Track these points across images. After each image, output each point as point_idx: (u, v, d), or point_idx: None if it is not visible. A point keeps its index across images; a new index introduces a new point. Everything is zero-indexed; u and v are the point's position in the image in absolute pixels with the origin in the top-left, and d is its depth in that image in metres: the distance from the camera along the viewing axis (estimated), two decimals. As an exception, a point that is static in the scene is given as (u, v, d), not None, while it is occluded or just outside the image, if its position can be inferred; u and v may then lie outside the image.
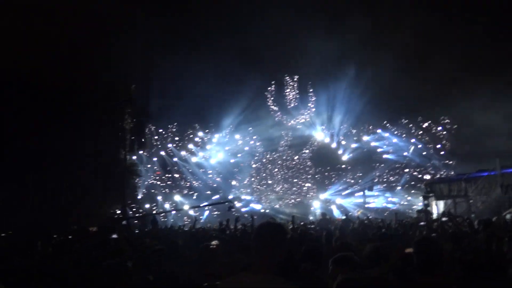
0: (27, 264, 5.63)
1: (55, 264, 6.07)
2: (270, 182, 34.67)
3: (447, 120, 33.09)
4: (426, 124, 33.81)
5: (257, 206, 32.05)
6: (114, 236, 10.82)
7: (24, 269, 5.28)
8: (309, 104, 34.69)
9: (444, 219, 12.74)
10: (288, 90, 35.12)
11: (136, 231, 20.52)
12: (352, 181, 33.67)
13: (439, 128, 33.21)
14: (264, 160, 35.00)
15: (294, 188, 34.48)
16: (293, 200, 33.99)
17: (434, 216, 19.06)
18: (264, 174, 34.87)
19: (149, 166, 33.39)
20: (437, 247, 3.96)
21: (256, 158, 34.98)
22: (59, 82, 22.85)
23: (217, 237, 7.08)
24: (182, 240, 10.00)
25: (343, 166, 34.24)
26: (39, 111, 22.81)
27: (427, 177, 31.57)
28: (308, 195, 34.17)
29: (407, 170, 33.14)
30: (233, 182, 34.50)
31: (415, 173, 32.96)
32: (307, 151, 34.98)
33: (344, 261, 4.07)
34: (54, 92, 23.35)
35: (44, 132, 22.90)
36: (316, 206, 31.97)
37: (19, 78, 22.35)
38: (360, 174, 33.66)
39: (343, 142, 34.22)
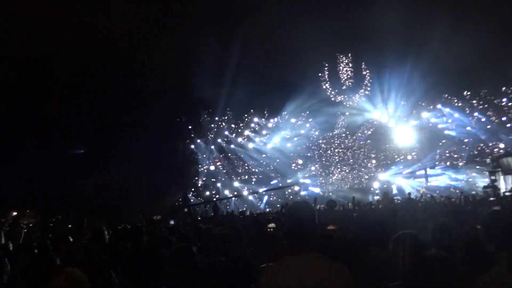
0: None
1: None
2: (328, 164, 34.30)
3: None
4: (489, 97, 32.17)
5: (316, 190, 31.84)
6: (172, 222, 11.07)
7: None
8: (365, 83, 33.94)
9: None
10: (342, 69, 34.47)
11: (199, 218, 21.08)
12: (413, 160, 32.72)
13: (504, 99, 31.48)
14: (321, 142, 34.62)
15: (353, 170, 33.95)
16: (352, 182, 33.50)
17: (502, 191, 18.25)
18: (321, 157, 34.54)
19: (207, 154, 33.82)
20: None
21: (312, 140, 34.66)
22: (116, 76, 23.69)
23: (275, 219, 7.07)
24: (241, 225, 10.12)
25: (403, 144, 33.26)
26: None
27: (493, 152, 30.14)
28: (367, 176, 33.57)
29: (470, 145, 31.74)
30: (291, 167, 34.38)
31: (479, 148, 31.50)
32: (365, 131, 34.29)
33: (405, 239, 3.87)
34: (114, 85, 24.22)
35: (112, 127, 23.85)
36: (375, 187, 31.41)
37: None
38: (421, 153, 32.66)
39: (403, 120, 33.20)
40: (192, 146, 32.47)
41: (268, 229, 5.98)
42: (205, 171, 33.66)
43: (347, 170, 33.94)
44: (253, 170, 34.30)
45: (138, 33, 25.26)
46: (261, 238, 5.71)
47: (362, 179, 33.59)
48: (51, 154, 22.60)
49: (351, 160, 34.10)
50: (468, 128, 31.73)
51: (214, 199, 31.01)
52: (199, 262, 5.74)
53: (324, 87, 34.33)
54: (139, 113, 24.79)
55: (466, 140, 31.76)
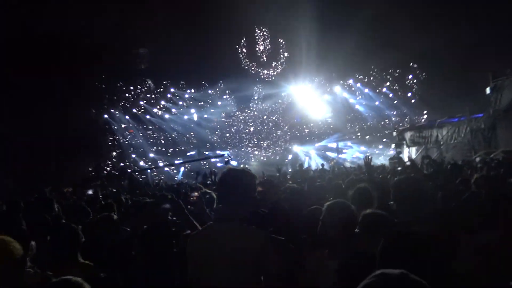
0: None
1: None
2: (242, 136, 34.72)
3: (416, 67, 33.26)
4: (396, 74, 34.01)
5: (233, 162, 32.15)
6: (90, 192, 10.82)
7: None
8: (281, 57, 34.44)
9: (426, 161, 12.92)
10: (259, 43, 34.69)
11: (114, 190, 20.52)
12: (325, 133, 34.07)
13: (410, 76, 33.44)
14: (238, 115, 34.90)
15: (269, 142, 34.67)
16: (267, 154, 34.25)
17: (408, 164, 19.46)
18: (238, 129, 34.86)
19: (122, 124, 32.78)
20: (418, 185, 3.89)
21: (229, 113, 34.83)
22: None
23: (197, 189, 7.10)
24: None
25: (316, 118, 34.42)
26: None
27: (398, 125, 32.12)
28: (282, 148, 34.47)
29: (378, 120, 33.62)
30: (208, 138, 34.37)
31: (386, 122, 33.47)
32: (280, 105, 35.00)
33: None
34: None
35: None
36: (290, 159, 32.40)
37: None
38: (333, 127, 34.10)
39: (316, 95, 34.25)
40: (106, 116, 31.33)
41: (191, 198, 6.04)
42: (120, 141, 32.68)
43: (262, 143, 34.61)
44: (170, 141, 33.89)
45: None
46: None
47: (276, 152, 34.45)
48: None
49: (268, 134, 34.80)
50: (377, 103, 33.47)
51: (129, 170, 30.30)
52: (121, 230, 5.68)
53: (241, 60, 34.42)
54: (49, 74, 23.28)
55: (374, 114, 33.55)
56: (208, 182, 11.98)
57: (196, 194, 5.82)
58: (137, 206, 6.84)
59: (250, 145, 34.69)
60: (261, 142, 34.69)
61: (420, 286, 1.49)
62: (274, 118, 35.07)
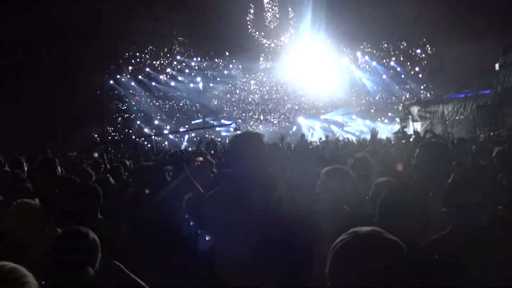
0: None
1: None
2: (250, 106, 34.62)
3: (425, 41, 32.87)
4: (405, 48, 33.64)
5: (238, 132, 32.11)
6: (96, 155, 10.87)
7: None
8: (289, 26, 34.05)
9: (428, 136, 12.91)
10: (267, 10, 34.27)
11: (119, 156, 20.66)
12: (331, 105, 33.92)
13: (418, 50, 33.06)
14: (244, 85, 34.73)
15: (275, 112, 34.58)
16: (272, 125, 34.18)
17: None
18: (243, 99, 34.73)
19: (127, 90, 32.68)
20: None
21: (235, 83, 34.65)
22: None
23: (202, 154, 7.13)
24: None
25: (322, 91, 34.20)
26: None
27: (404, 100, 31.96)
28: (289, 119, 34.40)
29: (384, 93, 33.41)
30: (213, 107, 34.29)
31: (392, 96, 33.26)
32: (286, 76, 34.70)
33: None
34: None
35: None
36: (294, 130, 32.40)
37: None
38: (338, 99, 33.92)
39: (324, 66, 33.92)
40: (111, 82, 31.25)
41: (196, 163, 6.06)
42: (125, 107, 32.68)
43: (269, 112, 34.52)
44: (175, 108, 33.85)
45: None
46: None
47: (281, 124, 34.38)
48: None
49: (274, 103, 34.65)
50: (384, 76, 33.17)
51: (134, 136, 30.46)
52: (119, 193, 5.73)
53: (249, 28, 34.06)
54: (54, 40, 23.19)
55: (380, 88, 33.32)
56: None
57: (200, 158, 5.84)
58: (140, 169, 6.89)
59: (255, 116, 34.58)
60: (266, 114, 34.56)
61: (391, 243, 1.49)
62: (279, 90, 34.82)
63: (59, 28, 23.25)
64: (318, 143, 20.96)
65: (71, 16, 23.79)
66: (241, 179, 2.99)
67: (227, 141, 3.34)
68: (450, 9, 26.23)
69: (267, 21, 34.29)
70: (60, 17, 23.24)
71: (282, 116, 34.48)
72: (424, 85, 32.33)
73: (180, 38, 33.04)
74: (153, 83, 33.16)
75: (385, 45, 33.64)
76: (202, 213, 3.16)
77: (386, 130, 29.80)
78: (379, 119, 32.03)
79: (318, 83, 33.52)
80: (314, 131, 32.15)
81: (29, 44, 22.04)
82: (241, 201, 2.85)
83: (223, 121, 32.06)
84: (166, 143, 31.04)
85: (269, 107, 34.68)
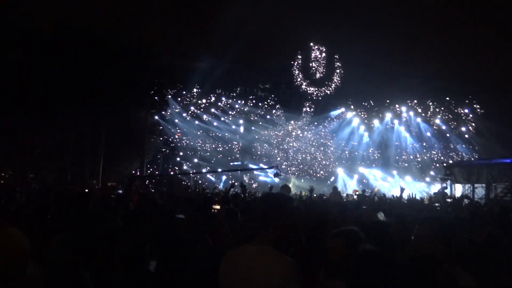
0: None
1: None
2: (289, 152, 34.58)
3: (473, 104, 32.29)
4: (452, 106, 33.09)
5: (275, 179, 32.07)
6: (120, 191, 10.91)
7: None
8: (335, 77, 34.24)
9: (465, 201, 12.43)
10: (314, 60, 34.63)
11: (152, 190, 20.94)
12: (373, 158, 33.61)
13: (466, 110, 32.41)
14: (285, 131, 34.84)
15: (314, 161, 34.38)
16: (311, 172, 33.94)
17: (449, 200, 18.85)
18: (284, 145, 34.75)
19: (170, 127, 33.35)
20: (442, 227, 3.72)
21: (277, 127, 34.82)
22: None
23: (221, 201, 7.06)
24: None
25: (364, 142, 34.01)
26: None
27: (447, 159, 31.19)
28: (327, 169, 34.09)
29: (427, 151, 32.75)
30: (253, 150, 34.43)
31: (435, 155, 32.53)
32: (329, 124, 34.70)
33: (343, 234, 3.87)
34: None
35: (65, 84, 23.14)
36: (331, 181, 32.04)
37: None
38: (378, 152, 33.62)
39: (366, 119, 33.88)
40: (156, 117, 32.05)
41: (212, 210, 5.98)
42: (166, 143, 33.29)
43: (309, 161, 34.33)
44: (214, 148, 34.20)
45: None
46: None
47: (322, 171, 34.09)
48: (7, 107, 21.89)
49: (314, 152, 34.50)
50: (428, 134, 32.61)
51: (172, 172, 30.86)
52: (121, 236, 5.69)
53: (295, 76, 34.46)
54: (105, 73, 24.15)
55: (423, 145, 32.72)
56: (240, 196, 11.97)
57: (217, 206, 5.79)
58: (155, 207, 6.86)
59: (294, 162, 34.46)
60: (306, 162, 34.37)
61: None
62: (321, 138, 34.75)
63: (109, 60, 24.26)
64: (355, 196, 20.63)
65: (122, 51, 24.85)
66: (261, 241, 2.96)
67: (260, 195, 3.39)
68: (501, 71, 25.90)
69: (313, 70, 34.57)
70: (112, 51, 24.31)
71: (321, 166, 34.20)
72: (470, 146, 31.50)
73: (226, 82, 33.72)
74: (196, 122, 33.75)
75: (431, 102, 33.18)
76: (220, 271, 3.15)
77: (426, 188, 29.11)
78: (420, 177, 31.30)
79: (360, 136, 33.40)
80: (350, 182, 31.76)
81: (78, 72, 23.02)
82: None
83: (261, 165, 32.07)
84: (205, 182, 31.24)
85: (309, 155, 34.51)
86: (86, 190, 17.06)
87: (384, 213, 8.35)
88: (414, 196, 19.40)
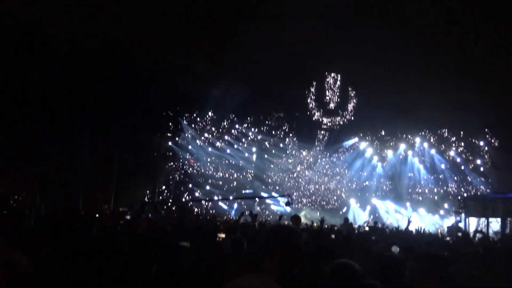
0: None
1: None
2: (301, 182, 34.42)
3: (489, 136, 32.02)
4: (469, 138, 32.86)
5: (287, 208, 31.83)
6: (128, 217, 10.96)
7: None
8: (349, 106, 34.25)
9: (478, 235, 12.25)
10: (328, 89, 34.73)
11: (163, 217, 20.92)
12: (384, 190, 33.38)
13: (481, 143, 32.13)
14: (298, 160, 34.78)
15: (327, 192, 34.16)
16: (323, 203, 33.70)
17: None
18: (296, 174, 34.64)
19: (184, 153, 33.43)
20: (439, 264, 3.61)
21: (289, 156, 34.78)
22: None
23: (227, 230, 7.03)
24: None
25: (376, 172, 33.82)
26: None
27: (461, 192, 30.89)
28: (340, 200, 33.84)
29: (441, 183, 32.43)
30: (265, 178, 34.33)
31: (449, 188, 32.19)
32: (343, 154, 34.61)
33: (340, 269, 3.83)
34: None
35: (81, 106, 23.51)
36: (344, 211, 31.79)
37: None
38: (391, 184, 33.44)
39: (379, 149, 33.79)
40: (170, 143, 32.25)
41: (218, 239, 5.94)
42: (180, 170, 33.37)
43: (321, 191, 34.13)
44: (227, 176, 34.16)
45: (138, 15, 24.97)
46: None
47: (334, 202, 33.85)
48: (25, 129, 22.26)
49: (326, 182, 34.33)
50: (442, 166, 32.34)
51: (183, 199, 30.86)
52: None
53: (309, 105, 34.52)
54: (121, 97, 24.52)
55: (437, 178, 32.45)
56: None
57: (222, 235, 5.75)
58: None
59: (307, 192, 34.26)
60: (319, 193, 34.16)
61: None
62: (334, 168, 34.62)
63: (125, 84, 24.66)
64: (366, 228, 20.41)
65: (139, 75, 25.26)
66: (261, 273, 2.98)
67: (268, 227, 3.40)
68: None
69: (327, 99, 34.60)
70: (128, 74, 24.72)
71: (333, 196, 33.97)
72: (484, 179, 31.12)
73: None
74: (210, 149, 33.86)
75: (446, 133, 32.97)
76: None
77: (440, 221, 28.75)
78: (433, 210, 30.91)
79: (373, 166, 33.28)
80: (362, 213, 31.50)
81: (94, 95, 23.40)
82: None
83: (274, 194, 31.92)
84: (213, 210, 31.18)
85: (322, 185, 34.32)
86: (97, 215, 17.19)
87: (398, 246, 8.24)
88: (422, 229, 19.26)
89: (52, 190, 23.41)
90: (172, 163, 32.66)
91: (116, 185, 27.01)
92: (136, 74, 25.44)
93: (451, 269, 3.73)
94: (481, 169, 31.73)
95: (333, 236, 14.12)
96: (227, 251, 5.45)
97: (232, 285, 3.10)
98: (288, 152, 34.70)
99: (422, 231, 18.43)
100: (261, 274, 2.96)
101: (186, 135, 32.99)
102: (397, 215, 30.94)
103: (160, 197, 30.30)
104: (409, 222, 10.28)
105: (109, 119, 24.40)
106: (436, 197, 31.97)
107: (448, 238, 11.46)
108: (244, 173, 34.44)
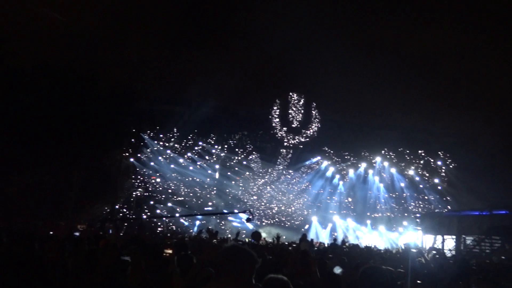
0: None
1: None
2: (264, 199, 34.54)
3: (445, 157, 33.06)
4: (426, 158, 33.79)
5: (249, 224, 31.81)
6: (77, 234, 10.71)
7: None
8: (313, 125, 34.71)
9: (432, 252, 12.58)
10: (292, 108, 35.15)
11: (121, 234, 20.61)
12: (345, 208, 33.93)
13: (439, 162, 33.09)
14: (261, 178, 34.93)
15: (289, 209, 34.36)
16: (285, 220, 33.88)
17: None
18: (259, 191, 34.73)
19: (145, 170, 33.09)
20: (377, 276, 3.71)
21: (252, 174, 34.91)
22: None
23: (175, 245, 7.00)
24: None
25: (338, 191, 34.35)
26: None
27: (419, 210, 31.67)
28: (302, 218, 34.08)
29: (400, 201, 33.19)
30: (228, 195, 34.28)
31: (408, 205, 32.93)
32: (305, 173, 34.99)
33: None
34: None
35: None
36: (306, 228, 32.04)
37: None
38: (352, 202, 34.01)
39: (341, 168, 34.37)
40: (132, 160, 31.87)
41: (164, 254, 5.94)
42: (141, 186, 32.95)
43: (282, 208, 34.30)
44: (190, 192, 33.92)
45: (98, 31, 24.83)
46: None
47: (295, 219, 34.06)
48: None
49: (288, 199, 34.54)
50: (402, 184, 33.09)
51: (144, 216, 30.47)
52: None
53: (273, 123, 34.81)
54: (82, 115, 24.14)
55: (396, 196, 33.17)
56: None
57: (169, 251, 5.75)
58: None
59: (269, 209, 34.36)
60: (281, 212, 34.34)
61: None
62: (296, 186, 34.92)
63: (87, 102, 24.33)
64: (326, 245, 20.60)
65: (100, 93, 24.98)
66: None
67: (224, 247, 3.37)
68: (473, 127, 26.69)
69: (291, 118, 34.98)
70: (90, 93, 24.42)
71: (295, 214, 34.22)
72: (441, 198, 32.00)
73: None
74: (172, 165, 33.63)
75: (406, 154, 33.82)
76: None
77: (398, 239, 29.25)
78: (392, 228, 31.51)
79: (334, 185, 33.77)
80: (323, 231, 31.85)
81: (53, 111, 22.98)
82: None
83: (235, 210, 31.86)
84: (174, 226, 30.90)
85: (284, 203, 34.51)
86: (51, 232, 16.83)
87: (343, 263, 8.43)
88: (373, 247, 19.61)
89: (12, 208, 22.75)
90: (133, 180, 32.21)
91: (75, 202, 26.47)
92: (99, 93, 25.17)
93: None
94: (439, 187, 32.59)
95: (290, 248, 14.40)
96: (172, 267, 5.46)
97: None
98: (251, 169, 34.83)
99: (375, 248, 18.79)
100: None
101: (149, 151, 32.67)
102: (358, 233, 31.42)
103: (121, 214, 29.82)
104: (343, 241, 10.52)
105: (70, 136, 23.94)
106: (394, 215, 32.59)
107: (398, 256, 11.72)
108: (207, 190, 34.31)
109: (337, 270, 6.68)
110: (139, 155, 32.19)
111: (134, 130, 30.19)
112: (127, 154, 30.63)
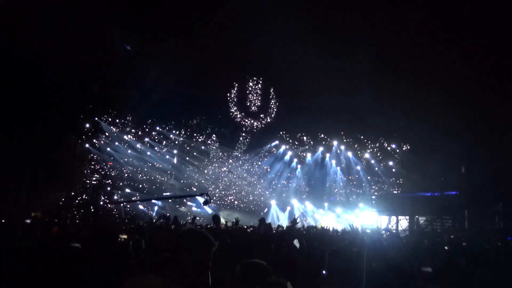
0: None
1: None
2: (222, 184, 34.58)
3: (399, 140, 33.85)
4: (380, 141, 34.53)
5: (208, 208, 31.75)
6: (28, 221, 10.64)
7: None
8: (270, 109, 34.84)
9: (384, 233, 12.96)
10: (251, 92, 35.11)
11: (77, 221, 20.26)
12: (303, 191, 34.40)
13: (393, 145, 33.88)
14: (219, 162, 34.91)
15: (247, 194, 34.54)
16: (243, 204, 34.07)
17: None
18: (218, 176, 34.72)
19: (102, 155, 32.41)
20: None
21: (211, 158, 34.84)
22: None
23: (130, 231, 6.95)
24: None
25: (296, 175, 34.77)
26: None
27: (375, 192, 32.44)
28: (261, 202, 34.36)
29: (357, 184, 33.91)
30: (185, 180, 34.11)
31: (365, 188, 33.67)
32: (264, 157, 35.20)
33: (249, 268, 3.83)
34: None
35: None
36: (265, 211, 32.36)
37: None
38: (310, 185, 34.50)
39: (299, 152, 34.77)
40: (87, 145, 31.11)
41: (119, 239, 5.86)
42: (98, 172, 32.29)
43: (241, 192, 34.46)
44: (147, 178, 33.54)
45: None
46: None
47: (254, 203, 34.32)
48: None
49: (247, 184, 34.71)
50: (358, 167, 33.77)
51: (101, 202, 29.93)
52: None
53: (230, 108, 34.70)
54: (32, 101, 23.22)
55: (352, 178, 33.88)
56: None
57: (124, 236, 5.70)
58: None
59: (228, 193, 34.45)
60: (240, 195, 34.49)
61: None
62: (255, 170, 35.13)
63: (37, 85, 23.45)
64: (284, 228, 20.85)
65: (52, 76, 24.10)
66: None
67: (180, 231, 3.29)
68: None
69: (249, 102, 34.95)
70: (41, 75, 23.52)
71: (254, 198, 34.45)
72: (396, 180, 32.85)
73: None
74: (129, 151, 33.11)
75: (361, 137, 34.46)
76: None
77: (355, 219, 29.93)
78: (349, 209, 32.19)
79: (293, 169, 34.10)
80: (282, 214, 32.25)
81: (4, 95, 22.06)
82: None
83: (192, 193, 31.86)
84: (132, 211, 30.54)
85: (243, 187, 34.66)
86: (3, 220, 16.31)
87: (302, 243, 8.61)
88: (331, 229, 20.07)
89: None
90: (90, 166, 31.51)
91: (29, 189, 25.64)
92: (48, 76, 24.21)
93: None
94: (393, 170, 33.41)
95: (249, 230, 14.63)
96: (128, 252, 5.42)
97: (128, 282, 3.08)
98: (209, 154, 34.74)
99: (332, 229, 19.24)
100: (163, 274, 2.95)
101: (104, 137, 31.98)
102: (316, 215, 31.98)
103: (77, 201, 29.20)
104: (294, 220, 10.77)
105: (18, 121, 23.01)
106: (351, 197, 33.28)
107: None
108: (165, 176, 34.03)
109: (297, 243, 6.97)
110: (94, 140, 31.47)
111: (88, 114, 29.40)
112: (82, 139, 29.85)
